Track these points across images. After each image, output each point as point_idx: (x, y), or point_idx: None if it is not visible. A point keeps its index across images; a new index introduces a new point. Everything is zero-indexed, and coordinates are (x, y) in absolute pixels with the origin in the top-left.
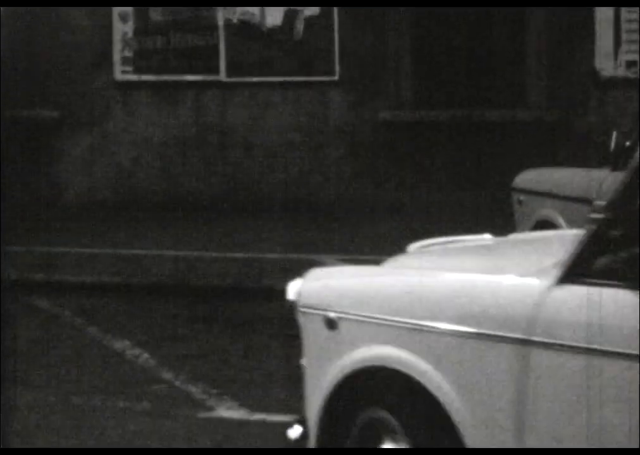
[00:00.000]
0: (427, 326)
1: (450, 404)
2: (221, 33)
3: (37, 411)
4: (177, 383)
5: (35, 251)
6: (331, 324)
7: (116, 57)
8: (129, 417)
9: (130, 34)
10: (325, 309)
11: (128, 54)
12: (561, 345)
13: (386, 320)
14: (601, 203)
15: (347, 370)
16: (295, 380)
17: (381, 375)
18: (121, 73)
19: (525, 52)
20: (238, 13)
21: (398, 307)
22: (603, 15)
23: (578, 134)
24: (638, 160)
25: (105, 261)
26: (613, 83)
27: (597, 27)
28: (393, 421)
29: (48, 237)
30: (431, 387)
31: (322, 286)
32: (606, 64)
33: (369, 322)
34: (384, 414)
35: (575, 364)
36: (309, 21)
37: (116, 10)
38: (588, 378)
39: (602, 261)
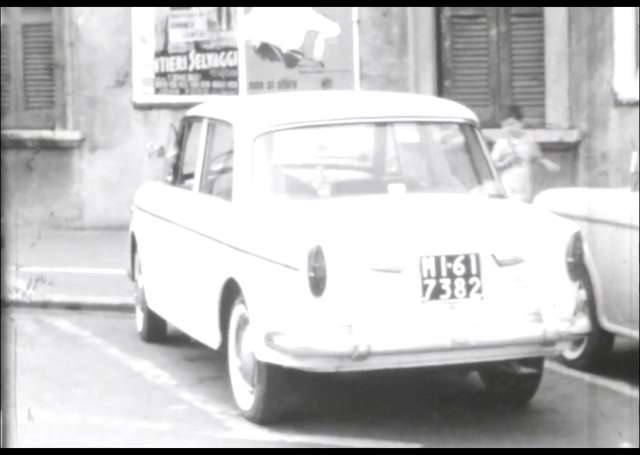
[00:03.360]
0: None
1: None
2: (241, 54)
3: (58, 431)
4: (197, 403)
5: (54, 272)
6: None
7: (137, 78)
8: (150, 437)
9: (150, 55)
10: None
11: (149, 75)
12: None
13: None
14: None
15: None
16: (310, 402)
17: None
18: (141, 94)
19: (544, 73)
20: (258, 34)
21: None
22: (623, 36)
23: (598, 155)
24: None
25: (125, 282)
26: (632, 103)
27: (617, 48)
28: None
29: (68, 257)
30: None
31: None
32: (625, 85)
33: None
34: None
35: None
36: (329, 41)
37: (137, 31)
38: None
39: None
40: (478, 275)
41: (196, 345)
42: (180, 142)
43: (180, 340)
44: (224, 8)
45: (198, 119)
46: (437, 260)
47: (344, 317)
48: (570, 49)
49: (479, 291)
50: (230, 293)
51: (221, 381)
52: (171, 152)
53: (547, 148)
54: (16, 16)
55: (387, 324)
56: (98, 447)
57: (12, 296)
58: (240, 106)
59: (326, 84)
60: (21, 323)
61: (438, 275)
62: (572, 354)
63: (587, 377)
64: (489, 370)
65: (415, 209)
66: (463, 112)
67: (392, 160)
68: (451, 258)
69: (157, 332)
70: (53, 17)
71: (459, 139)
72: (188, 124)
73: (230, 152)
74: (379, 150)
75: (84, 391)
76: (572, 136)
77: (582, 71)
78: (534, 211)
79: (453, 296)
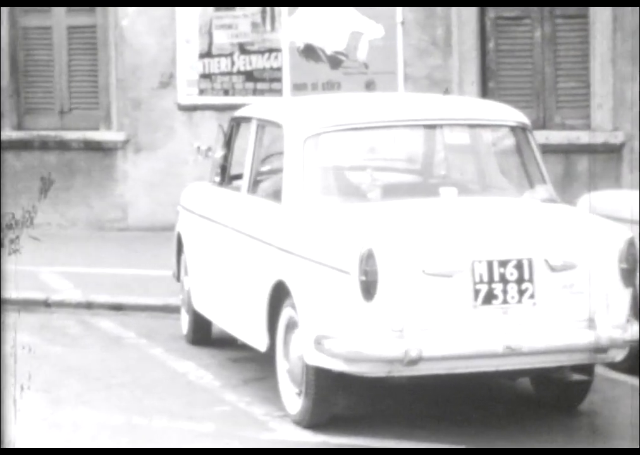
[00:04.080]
0: None
1: None
2: (285, 56)
3: (102, 432)
4: (240, 404)
5: (99, 272)
6: None
7: (181, 79)
8: (193, 438)
9: (195, 56)
10: None
11: (193, 76)
12: None
13: None
14: None
15: None
16: (355, 403)
17: None
18: (185, 95)
19: (589, 75)
20: (302, 36)
21: None
22: None
23: None
24: None
25: (168, 283)
26: None
27: None
28: None
29: (112, 258)
30: None
31: None
32: None
33: None
34: None
35: None
36: (373, 43)
37: (181, 33)
38: None
39: None
40: (531, 280)
41: (241, 347)
42: (228, 143)
43: (225, 342)
44: (268, 10)
45: (246, 120)
46: (490, 264)
47: (395, 321)
48: (614, 51)
49: (532, 296)
50: (279, 296)
51: (265, 382)
52: (219, 153)
53: (591, 149)
54: (61, 17)
55: (439, 329)
56: (142, 447)
57: (57, 296)
58: (290, 107)
59: (370, 85)
60: (65, 323)
61: (490, 280)
62: None
63: (631, 380)
64: (539, 375)
65: (467, 213)
66: (514, 115)
67: (441, 162)
68: (503, 263)
69: (203, 334)
70: (98, 19)
71: (510, 142)
72: (236, 124)
73: (279, 153)
74: (428, 152)
75: (128, 392)
76: (616, 138)
77: (626, 72)
78: (586, 216)
79: (505, 301)
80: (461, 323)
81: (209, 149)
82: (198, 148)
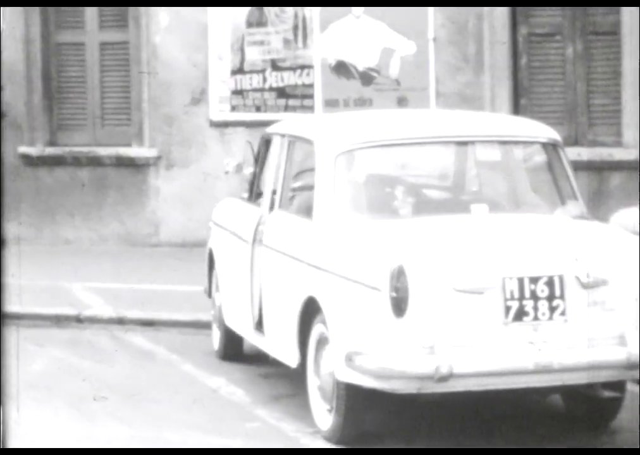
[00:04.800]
0: None
1: None
2: (317, 72)
3: (135, 447)
4: (271, 421)
5: (131, 288)
6: None
7: (213, 95)
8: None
9: (227, 73)
10: None
11: (225, 92)
12: None
13: None
14: None
15: None
16: (389, 419)
17: None
18: (217, 112)
19: (621, 91)
20: (334, 52)
21: None
22: None
23: None
24: None
25: (199, 299)
26: None
27: None
28: None
29: (144, 274)
30: None
31: None
32: None
33: None
34: None
35: None
36: (405, 59)
37: (213, 49)
38: None
39: None
40: (562, 297)
41: (272, 362)
42: (259, 159)
43: (256, 358)
44: (300, 26)
45: (278, 136)
46: (521, 281)
47: (426, 338)
48: None
49: (563, 313)
50: (310, 312)
51: (295, 399)
52: (250, 169)
53: (623, 166)
54: (94, 34)
55: (469, 345)
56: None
57: (89, 311)
58: (321, 124)
59: (401, 102)
60: (96, 339)
61: (521, 297)
62: None
63: None
64: (570, 392)
65: (498, 230)
66: (546, 132)
67: (473, 179)
68: (534, 280)
69: (234, 349)
70: (130, 35)
71: (541, 158)
72: (267, 141)
73: (310, 170)
74: (460, 169)
75: (159, 407)
76: None
77: None
78: (618, 233)
79: (536, 318)
80: (492, 339)
81: (239, 165)
82: (227, 163)
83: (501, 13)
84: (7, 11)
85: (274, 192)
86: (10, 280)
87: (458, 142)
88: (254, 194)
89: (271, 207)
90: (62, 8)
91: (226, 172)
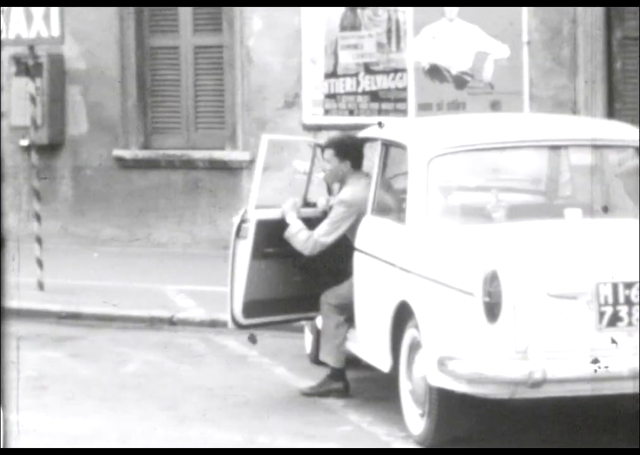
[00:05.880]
0: None
1: None
2: (411, 76)
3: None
4: (363, 425)
5: (223, 291)
6: None
7: (306, 99)
8: None
9: (320, 76)
10: None
11: (318, 96)
12: None
13: None
14: None
15: None
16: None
17: None
18: (310, 115)
19: None
20: (427, 56)
21: None
22: None
23: None
24: None
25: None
26: None
27: None
28: None
29: None
30: None
31: None
32: None
33: None
34: None
35: None
36: (499, 63)
37: (307, 53)
38: None
39: None
40: None
41: (364, 367)
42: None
43: (348, 362)
44: (393, 30)
45: (371, 140)
46: (615, 286)
47: (519, 343)
48: None
49: None
50: (402, 316)
51: (388, 403)
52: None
53: None
54: (188, 37)
55: (563, 351)
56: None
57: (182, 314)
58: (414, 128)
59: (495, 106)
60: (189, 341)
61: (615, 302)
62: None
63: None
64: None
65: (592, 234)
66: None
67: (566, 183)
68: (628, 285)
69: None
70: (224, 39)
71: (634, 162)
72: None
73: (403, 174)
74: (552, 173)
75: (251, 410)
76: None
77: None
78: None
79: (630, 324)
80: (585, 345)
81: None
82: (297, 164)
83: (596, 17)
84: (102, 15)
85: (367, 196)
86: (105, 283)
87: (551, 146)
88: None
89: (365, 211)
90: (157, 12)
91: (299, 173)
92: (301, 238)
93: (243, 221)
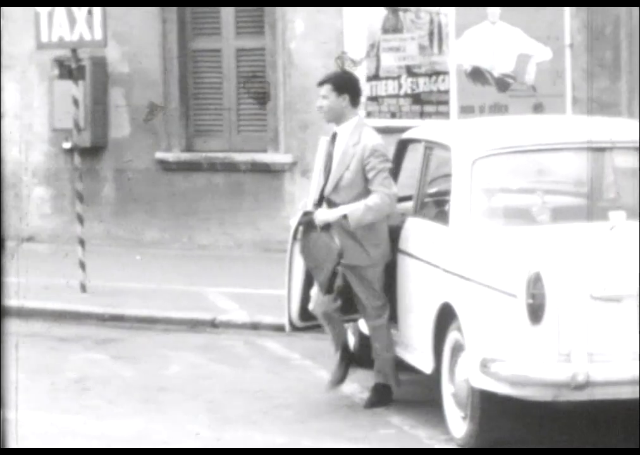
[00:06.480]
0: None
1: None
2: (453, 78)
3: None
4: (405, 427)
5: (265, 293)
6: None
7: None
8: None
9: (362, 79)
10: None
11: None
12: None
13: None
14: None
15: None
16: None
17: None
18: None
19: None
20: (469, 58)
21: None
22: None
23: None
24: None
25: None
26: None
27: None
28: None
29: (278, 280)
30: None
31: None
32: None
33: None
34: None
35: None
36: (541, 66)
37: (349, 55)
38: None
39: None
40: None
41: (406, 368)
42: (396, 164)
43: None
44: (435, 32)
45: (414, 141)
46: None
47: (562, 345)
48: None
49: None
50: (445, 318)
51: (429, 405)
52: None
53: None
54: (230, 40)
55: (606, 353)
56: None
57: (223, 316)
58: (458, 129)
59: (537, 108)
60: (231, 343)
61: None
62: None
63: None
64: None
65: (636, 237)
66: None
67: (610, 185)
68: None
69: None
70: (266, 41)
71: None
72: (403, 146)
73: (447, 175)
74: (596, 175)
75: (292, 413)
76: None
77: None
78: None
79: None
80: (629, 347)
81: None
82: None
83: (639, 18)
84: (144, 18)
85: (410, 198)
86: (148, 285)
87: (595, 148)
88: None
89: (408, 213)
90: (199, 15)
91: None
92: (375, 203)
93: (300, 223)
